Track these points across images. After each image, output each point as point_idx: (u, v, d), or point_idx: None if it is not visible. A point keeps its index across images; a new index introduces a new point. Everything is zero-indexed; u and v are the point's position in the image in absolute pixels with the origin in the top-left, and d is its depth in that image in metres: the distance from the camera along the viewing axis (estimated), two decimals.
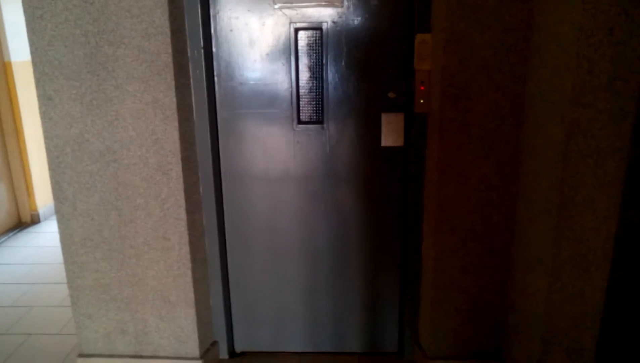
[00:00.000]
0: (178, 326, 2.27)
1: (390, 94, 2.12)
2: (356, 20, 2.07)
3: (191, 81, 2.12)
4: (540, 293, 1.91)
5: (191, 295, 2.23)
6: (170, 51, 1.93)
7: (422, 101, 2.09)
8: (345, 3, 2.04)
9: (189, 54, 2.08)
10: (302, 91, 2.15)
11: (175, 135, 2.03)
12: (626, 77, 1.64)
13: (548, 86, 1.81)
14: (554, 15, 1.76)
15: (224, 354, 2.50)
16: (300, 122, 2.19)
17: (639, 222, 2.06)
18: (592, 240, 1.80)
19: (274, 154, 2.22)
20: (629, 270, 2.12)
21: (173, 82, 1.97)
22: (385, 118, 2.14)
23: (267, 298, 2.43)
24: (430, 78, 2.07)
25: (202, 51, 2.07)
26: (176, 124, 2.02)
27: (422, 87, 2.08)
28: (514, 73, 1.98)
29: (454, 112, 2.03)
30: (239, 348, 2.54)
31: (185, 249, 2.17)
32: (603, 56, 1.63)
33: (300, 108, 2.17)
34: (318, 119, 2.18)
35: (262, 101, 2.16)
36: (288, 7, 2.06)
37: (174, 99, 1.99)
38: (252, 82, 2.15)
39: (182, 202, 2.11)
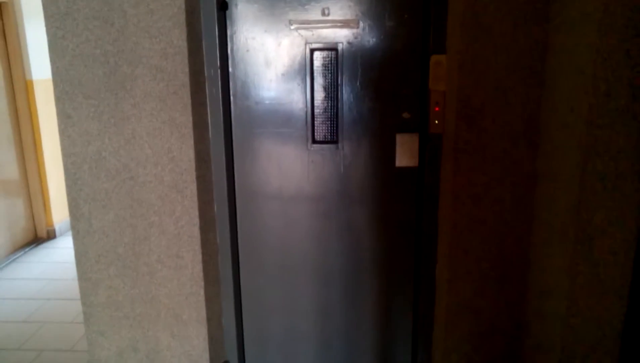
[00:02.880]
0: (190, 345, 2.26)
1: (405, 115, 2.13)
2: (371, 41, 2.08)
3: (207, 100, 2.13)
4: (557, 318, 1.87)
5: (203, 313, 2.22)
6: (187, 70, 1.96)
7: (436, 121, 2.09)
8: (361, 24, 2.06)
9: (205, 74, 2.11)
10: (317, 110, 2.17)
11: (190, 154, 2.05)
12: None
13: (564, 108, 1.80)
14: (569, 37, 1.75)
15: None
16: (314, 141, 2.20)
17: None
18: (609, 264, 1.77)
19: (288, 174, 2.23)
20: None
21: (189, 101, 1.99)
22: (399, 139, 2.14)
23: (279, 317, 2.41)
24: (445, 99, 2.06)
25: (219, 70, 2.10)
26: (192, 142, 2.03)
27: (437, 108, 2.08)
28: (530, 95, 1.98)
29: (468, 134, 2.02)
30: None
31: (199, 267, 2.17)
32: (620, 78, 1.62)
33: (315, 128, 2.18)
34: (332, 139, 2.19)
35: (277, 120, 2.18)
36: (304, 28, 2.09)
37: (190, 118, 2.01)
38: (267, 101, 2.17)
39: (196, 220, 2.12)
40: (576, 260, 1.78)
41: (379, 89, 2.13)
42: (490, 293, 2.19)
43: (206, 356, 2.29)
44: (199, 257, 2.17)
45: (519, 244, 2.13)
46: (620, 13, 1.56)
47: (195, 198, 2.11)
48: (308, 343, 2.45)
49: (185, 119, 2.02)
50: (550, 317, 1.94)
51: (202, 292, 2.21)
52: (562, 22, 1.81)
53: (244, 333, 2.46)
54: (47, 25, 1.98)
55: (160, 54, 1.96)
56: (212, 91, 2.13)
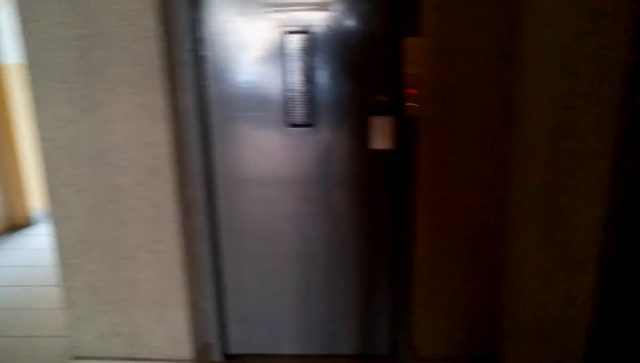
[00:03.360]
0: (171, 328, 2.28)
1: (381, 97, 2.14)
2: (346, 24, 2.09)
3: (182, 84, 2.12)
4: (529, 296, 1.93)
5: (184, 297, 2.24)
6: (160, 54, 1.94)
7: (412, 104, 2.11)
8: (336, 7, 2.06)
9: (179, 58, 2.09)
10: (293, 94, 2.17)
11: (166, 138, 2.04)
12: (612, 81, 1.66)
13: (534, 89, 1.83)
14: (540, 20, 1.78)
15: (217, 356, 2.51)
16: (291, 125, 2.21)
17: (628, 225, 2.09)
18: (579, 243, 1.82)
19: (266, 157, 2.24)
20: (618, 273, 2.14)
21: (163, 86, 1.98)
22: (376, 121, 2.16)
23: (261, 300, 2.44)
24: (420, 81, 2.08)
25: (193, 54, 2.08)
26: (167, 127, 2.03)
27: (412, 91, 2.10)
28: (503, 77, 2.00)
29: (443, 115, 2.05)
30: (234, 350, 2.56)
31: (178, 251, 2.18)
32: (589, 59, 1.64)
33: (292, 111, 2.19)
34: (309, 122, 2.20)
35: (254, 104, 2.18)
36: (278, 11, 2.08)
37: (164, 102, 2.00)
38: (243, 85, 2.16)
39: (174, 205, 2.13)
40: (546, 240, 1.83)
41: (354, 72, 2.14)
42: (467, 272, 2.24)
43: (188, 339, 2.31)
44: (178, 241, 2.18)
45: (495, 225, 2.18)
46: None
47: (172, 183, 2.11)
48: (290, 324, 2.49)
49: (160, 103, 2.01)
50: (523, 295, 2.00)
51: (182, 276, 2.22)
52: (535, 5, 1.83)
53: (227, 316, 2.48)
54: (16, 8, 1.94)
55: (132, 37, 1.94)
56: (187, 75, 2.12)
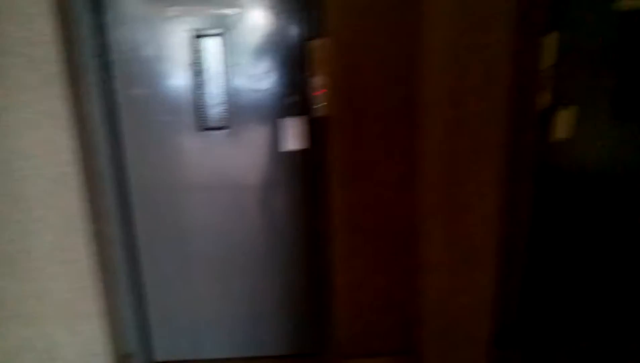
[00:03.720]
0: (87, 339, 2.24)
1: (291, 98, 2.16)
2: (256, 26, 2.10)
3: (88, 90, 2.08)
4: (438, 288, 1.97)
5: (99, 306, 2.20)
6: (60, 59, 1.90)
7: (320, 104, 2.13)
8: (244, 9, 2.07)
9: (83, 63, 2.05)
10: (205, 97, 2.17)
11: (71, 145, 2.01)
12: (496, 79, 1.73)
13: (429, 87, 1.88)
14: (434, 18, 1.83)
15: None
16: (205, 128, 2.20)
17: (523, 218, 2.18)
18: (474, 235, 1.89)
19: (180, 162, 2.23)
20: (516, 263, 2.23)
21: (65, 92, 1.95)
22: (287, 122, 2.18)
23: (184, 306, 2.42)
24: (327, 82, 2.11)
25: (99, 59, 2.05)
26: (71, 134, 1.99)
27: (320, 92, 2.12)
28: (405, 76, 2.05)
29: (349, 116, 2.08)
30: (158, 357, 2.52)
31: (91, 260, 2.14)
32: (475, 59, 1.71)
33: (205, 115, 2.19)
34: (223, 125, 2.20)
35: (166, 108, 2.17)
36: (187, 14, 2.07)
37: (67, 109, 1.96)
38: (154, 89, 2.15)
39: (84, 213, 2.08)
40: (449, 234, 1.88)
41: (265, 73, 2.15)
42: (384, 268, 2.28)
43: (106, 350, 2.27)
44: (91, 250, 2.14)
45: (408, 220, 2.22)
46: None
47: (81, 191, 2.07)
48: (215, 329, 2.48)
49: (62, 110, 1.97)
50: (432, 286, 2.05)
51: (96, 285, 2.17)
52: (431, 4, 1.88)
53: (150, 324, 2.45)
54: None
55: (29, 42, 1.89)
56: (92, 81, 2.08)
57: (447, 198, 1.85)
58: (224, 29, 2.09)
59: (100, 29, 2.06)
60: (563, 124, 2.24)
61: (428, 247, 2.03)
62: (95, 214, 2.15)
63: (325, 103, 2.13)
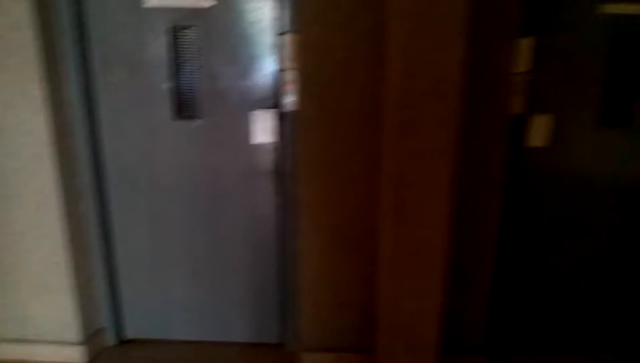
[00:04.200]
0: (60, 312, 2.35)
1: (261, 93, 2.19)
2: (229, 20, 2.14)
3: (66, 74, 2.17)
4: (390, 289, 1.98)
5: (71, 281, 2.31)
6: (36, 44, 1.99)
7: (289, 99, 2.15)
8: (217, 2, 2.11)
9: (61, 49, 2.14)
10: (180, 87, 2.22)
11: (46, 126, 2.10)
12: (449, 82, 1.71)
13: (387, 87, 1.87)
14: (392, 21, 1.82)
15: (111, 341, 2.57)
16: (179, 117, 2.26)
17: (492, 225, 2.15)
18: (426, 238, 1.88)
19: (154, 148, 2.30)
20: (484, 271, 2.20)
21: (41, 75, 2.04)
22: (258, 115, 2.21)
23: (155, 287, 2.51)
24: (295, 77, 2.13)
25: (77, 45, 2.14)
26: (47, 115, 2.09)
27: (289, 86, 2.14)
28: (372, 75, 2.05)
29: (316, 111, 2.10)
30: (129, 335, 2.62)
31: (64, 237, 2.24)
32: (425, 61, 1.69)
33: (179, 104, 2.24)
34: (194, 115, 2.25)
35: (141, 96, 2.24)
36: (161, 5, 2.13)
37: (42, 92, 2.05)
38: (130, 77, 2.22)
39: (59, 192, 2.19)
40: (398, 235, 1.88)
41: (238, 66, 2.19)
42: (345, 266, 2.29)
43: (77, 323, 2.38)
44: (64, 227, 2.24)
45: (369, 219, 2.23)
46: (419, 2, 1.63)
47: (56, 170, 2.17)
48: (184, 312, 2.56)
49: (39, 92, 2.07)
50: (383, 288, 2.05)
51: (68, 261, 2.28)
52: (393, 4, 1.86)
53: (122, 302, 2.55)
54: None
55: (9, 26, 1.99)
56: (71, 66, 2.16)
57: (398, 199, 1.84)
58: (200, 21, 2.13)
59: (79, 17, 2.13)
60: (538, 131, 2.18)
61: (381, 248, 2.03)
62: (70, 194, 2.24)
63: (293, 98, 2.15)
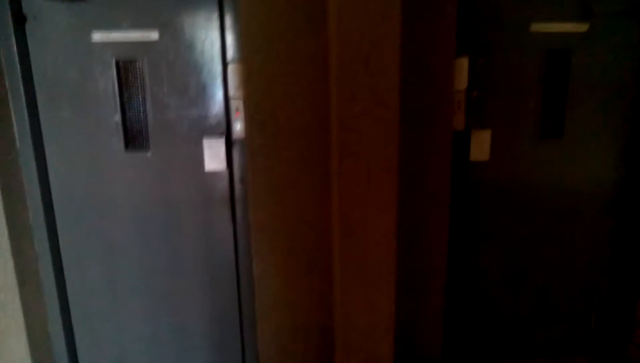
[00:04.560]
0: (11, 355, 2.28)
1: (211, 120, 2.22)
2: (174, 51, 2.17)
3: (11, 111, 2.16)
4: (338, 307, 2.00)
5: (22, 321, 2.24)
6: None
7: (238, 127, 2.19)
8: (163, 36, 2.14)
9: (7, 86, 2.13)
10: (128, 119, 2.23)
11: None
12: (386, 104, 1.78)
13: (330, 112, 1.93)
14: (331, 46, 1.88)
15: None
16: (128, 149, 2.26)
17: (441, 238, 2.21)
18: (374, 254, 1.92)
19: (105, 181, 2.29)
20: (436, 284, 2.25)
21: None
22: (207, 143, 2.23)
23: (110, 321, 2.47)
24: (242, 105, 2.17)
25: (22, 82, 2.13)
26: None
27: (237, 114, 2.18)
28: (317, 100, 2.10)
29: (262, 138, 2.13)
30: None
31: (12, 276, 2.19)
32: (361, 83, 1.75)
33: (127, 136, 2.25)
34: (145, 146, 2.25)
35: (90, 130, 2.24)
36: (107, 40, 2.15)
37: None
38: (78, 111, 2.22)
39: (4, 230, 2.15)
40: (346, 253, 1.92)
41: (185, 96, 2.22)
42: (301, 287, 2.30)
43: None
44: (11, 265, 2.19)
45: (321, 239, 2.25)
46: (355, 26, 1.70)
47: (0, 209, 2.12)
48: (140, 344, 2.51)
49: None
50: (337, 306, 2.08)
51: (17, 300, 2.22)
52: (329, 35, 1.94)
53: (75, 338, 2.49)
54: None
55: None
56: (16, 103, 2.15)
57: (344, 219, 1.88)
58: (147, 53, 2.16)
59: (23, 53, 2.13)
60: (480, 146, 2.27)
61: (332, 266, 2.06)
62: (17, 231, 2.20)
63: (241, 126, 2.19)
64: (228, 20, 2.15)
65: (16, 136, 2.20)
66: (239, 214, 2.32)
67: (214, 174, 2.29)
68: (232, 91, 2.18)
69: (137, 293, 2.43)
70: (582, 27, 2.25)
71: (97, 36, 2.16)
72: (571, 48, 2.26)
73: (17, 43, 2.11)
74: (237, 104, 2.19)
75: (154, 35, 2.16)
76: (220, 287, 2.44)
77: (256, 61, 2.09)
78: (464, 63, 2.18)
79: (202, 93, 2.21)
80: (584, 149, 2.35)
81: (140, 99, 2.22)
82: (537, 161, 2.35)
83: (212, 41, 2.18)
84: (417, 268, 2.28)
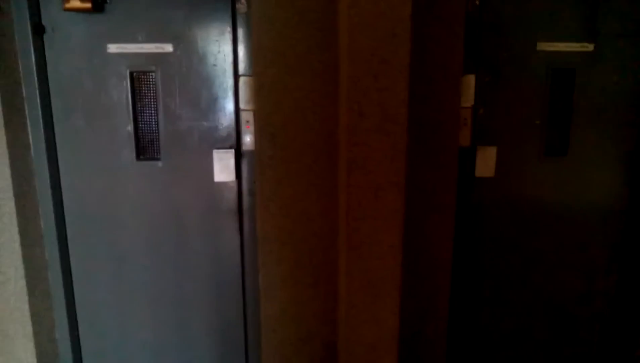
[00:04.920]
0: (17, 360, 2.30)
1: (221, 133, 2.26)
2: (187, 63, 2.22)
3: (27, 121, 2.20)
4: (343, 320, 2.02)
5: (29, 328, 2.27)
6: None
7: (248, 139, 2.23)
8: (177, 47, 2.20)
9: (24, 95, 2.18)
10: (140, 129, 2.28)
11: (5, 172, 2.11)
12: (395, 119, 1.81)
13: (339, 126, 1.97)
14: (341, 62, 1.93)
15: None
16: (139, 159, 2.30)
17: (445, 254, 2.23)
18: (380, 268, 1.94)
19: (116, 189, 2.33)
20: (441, 298, 2.27)
21: (1, 121, 2.06)
22: (217, 155, 2.27)
23: (116, 329, 2.49)
24: (253, 118, 2.21)
25: (38, 92, 2.18)
26: (6, 161, 2.10)
27: (247, 126, 2.22)
28: (326, 114, 2.14)
29: (272, 150, 2.17)
30: None
31: (22, 282, 2.22)
32: (370, 99, 1.79)
33: (139, 146, 2.29)
34: (156, 156, 2.30)
35: (102, 139, 2.28)
36: (122, 51, 2.20)
37: (4, 138, 2.08)
38: (92, 121, 2.26)
39: (17, 236, 2.18)
40: (350, 266, 1.94)
41: (196, 107, 2.26)
42: (306, 299, 2.32)
43: None
44: (22, 272, 2.22)
45: (328, 252, 2.28)
46: (365, 43, 1.74)
47: (14, 215, 2.16)
48: (145, 353, 2.53)
49: (1, 138, 2.08)
50: (342, 320, 2.09)
51: (26, 307, 2.25)
52: (340, 51, 1.98)
53: (82, 346, 2.51)
54: None
55: None
56: (32, 112, 2.20)
57: (351, 232, 1.91)
58: (160, 65, 2.21)
59: (40, 63, 2.18)
60: (485, 162, 2.30)
61: (338, 279, 2.08)
62: (29, 238, 2.24)
63: (252, 138, 2.23)
64: (240, 35, 2.20)
65: (31, 144, 2.23)
66: (246, 225, 2.35)
67: (223, 185, 2.32)
68: (242, 104, 2.22)
69: (144, 302, 2.46)
70: (588, 47, 2.29)
71: (113, 48, 2.21)
72: (576, 67, 2.30)
73: (35, 54, 2.16)
74: (247, 117, 2.23)
75: (167, 47, 2.21)
76: (226, 297, 2.46)
77: (268, 75, 2.14)
78: (470, 80, 2.22)
79: (213, 105, 2.25)
80: (588, 166, 2.38)
81: (153, 110, 2.27)
82: (542, 178, 2.37)
83: (225, 55, 2.22)
84: (422, 282, 2.30)
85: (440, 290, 2.33)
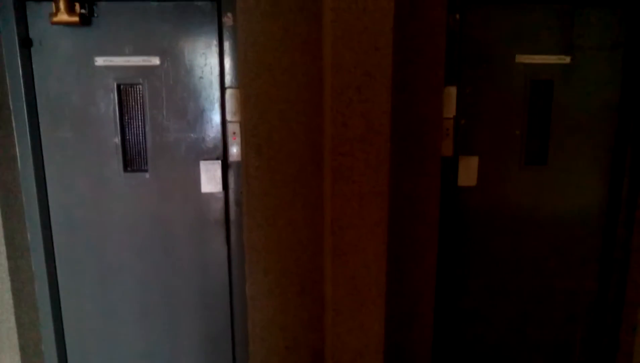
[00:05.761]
0: None
1: (206, 144, 2.29)
2: (174, 76, 2.25)
3: (14, 132, 2.21)
4: (329, 327, 2.04)
5: (15, 341, 2.26)
6: None
7: (234, 150, 2.26)
8: (164, 60, 2.23)
9: (11, 107, 2.19)
10: (127, 141, 2.30)
11: None
12: (378, 130, 1.86)
13: (324, 137, 2.01)
14: (326, 74, 1.97)
15: None
16: (126, 170, 2.32)
17: (430, 262, 2.27)
18: (365, 276, 1.97)
19: (103, 201, 2.34)
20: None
21: None
22: (204, 166, 2.30)
23: (103, 340, 2.48)
24: (239, 129, 2.24)
25: (25, 105, 2.19)
26: None
27: (234, 138, 2.25)
28: (311, 125, 2.18)
29: (258, 161, 2.20)
30: None
31: (7, 295, 2.22)
32: (354, 110, 1.84)
33: (126, 157, 2.31)
34: (143, 168, 2.32)
35: (90, 151, 2.30)
36: (110, 64, 2.23)
37: None
38: (79, 133, 2.28)
39: (3, 248, 2.18)
40: (336, 274, 1.97)
41: (183, 119, 2.29)
42: (293, 308, 2.35)
43: None
44: (7, 285, 2.22)
45: (314, 261, 2.31)
46: (349, 56, 1.79)
47: (0, 227, 2.16)
48: (134, 362, 2.53)
49: None
50: (328, 327, 2.12)
51: (12, 319, 2.25)
52: (324, 63, 2.03)
53: (68, 359, 2.50)
54: None
55: None
56: (19, 124, 2.21)
57: (336, 241, 1.94)
58: (148, 77, 2.24)
59: (29, 76, 2.20)
60: (466, 172, 2.36)
61: (324, 288, 2.11)
62: (15, 250, 2.24)
63: (238, 149, 2.26)
64: (227, 47, 2.24)
65: (18, 156, 2.24)
66: (233, 235, 2.38)
67: (210, 196, 2.35)
68: (229, 116, 2.26)
69: (132, 314, 2.46)
70: (565, 60, 2.37)
71: (100, 61, 2.23)
72: (554, 79, 2.37)
73: (22, 66, 2.18)
74: (233, 128, 2.26)
75: (155, 60, 2.24)
76: (213, 307, 2.47)
77: (254, 87, 2.18)
78: (452, 92, 2.28)
79: (200, 117, 2.28)
80: (568, 175, 2.44)
81: (140, 122, 2.29)
82: (523, 187, 2.43)
83: (211, 67, 2.26)
84: (407, 290, 2.33)
85: (425, 297, 2.37)
